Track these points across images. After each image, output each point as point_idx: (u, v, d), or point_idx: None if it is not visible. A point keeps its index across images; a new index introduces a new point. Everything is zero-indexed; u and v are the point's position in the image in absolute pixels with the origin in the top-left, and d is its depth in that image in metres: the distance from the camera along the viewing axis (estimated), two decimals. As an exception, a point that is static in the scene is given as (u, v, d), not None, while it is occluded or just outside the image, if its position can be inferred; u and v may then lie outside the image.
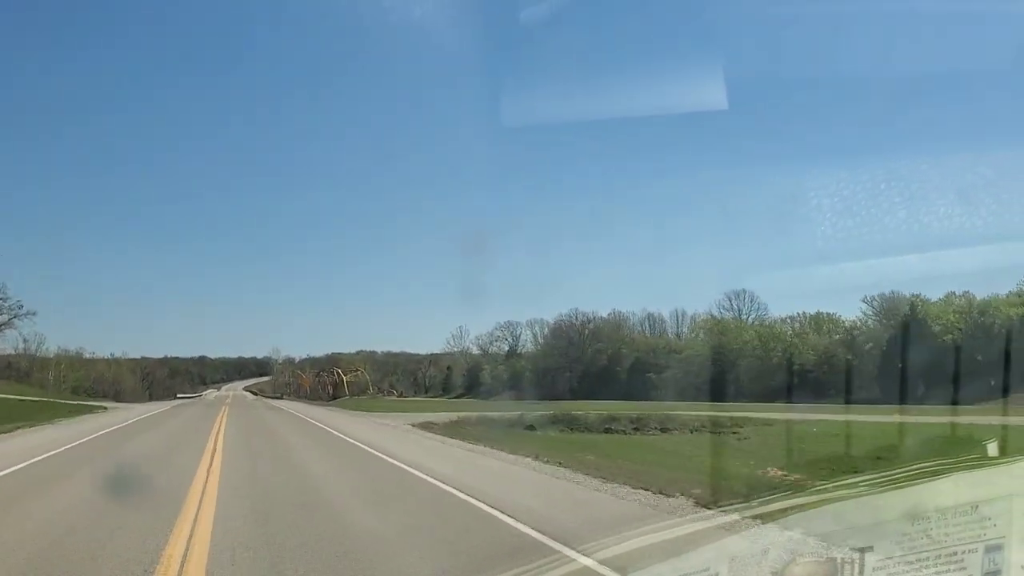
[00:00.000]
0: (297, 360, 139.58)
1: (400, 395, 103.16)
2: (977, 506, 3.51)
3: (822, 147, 70.65)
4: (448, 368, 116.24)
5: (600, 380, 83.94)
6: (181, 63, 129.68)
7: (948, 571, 3.46)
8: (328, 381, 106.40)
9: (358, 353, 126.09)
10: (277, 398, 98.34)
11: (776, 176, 57.67)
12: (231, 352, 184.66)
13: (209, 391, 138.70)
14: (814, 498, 3.68)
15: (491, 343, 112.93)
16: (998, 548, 3.52)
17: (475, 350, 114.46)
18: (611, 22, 74.94)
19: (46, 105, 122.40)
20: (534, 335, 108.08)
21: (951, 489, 3.54)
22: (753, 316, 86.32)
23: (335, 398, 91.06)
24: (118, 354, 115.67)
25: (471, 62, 62.40)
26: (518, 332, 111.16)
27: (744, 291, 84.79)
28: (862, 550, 3.45)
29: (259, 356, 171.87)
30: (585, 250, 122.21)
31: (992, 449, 3.76)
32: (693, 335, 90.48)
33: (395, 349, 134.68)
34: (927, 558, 3.46)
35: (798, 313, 79.74)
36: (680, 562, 4.15)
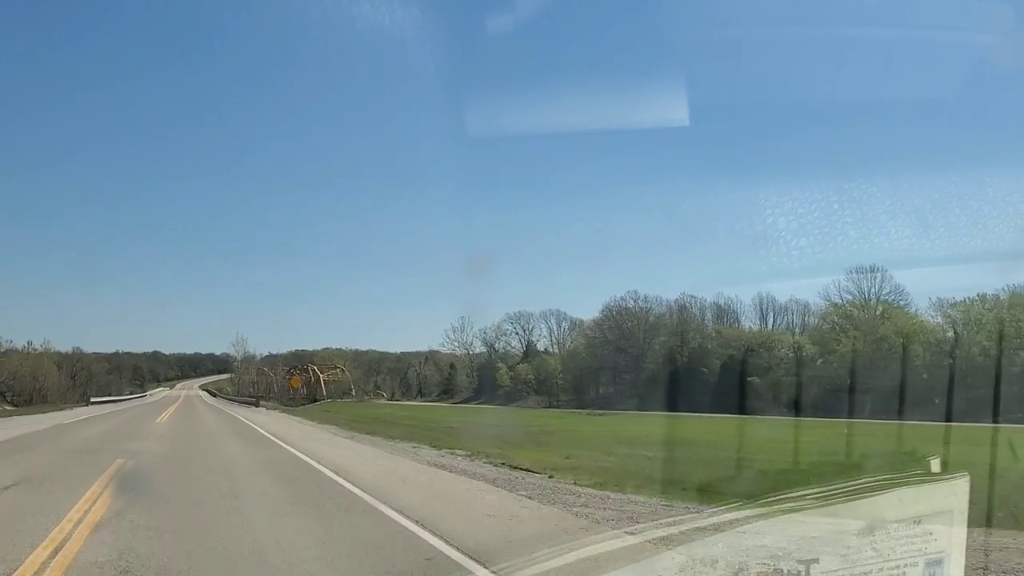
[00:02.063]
0: (258, 357, 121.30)
1: (391, 398, 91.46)
2: (920, 520, 3.59)
3: (776, 162, 71.55)
4: (451, 367, 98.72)
5: (675, 384, 61.76)
6: (142, 57, 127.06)
7: (890, 584, 3.52)
8: (301, 380, 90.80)
9: (325, 350, 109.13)
10: (251, 404, 73.66)
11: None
12: (187, 348, 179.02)
13: (159, 390, 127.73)
14: (762, 510, 3.72)
15: (498, 338, 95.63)
16: (938, 562, 3.61)
17: (479, 346, 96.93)
18: (575, 37, 75.69)
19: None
20: (550, 329, 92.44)
21: (895, 504, 3.61)
22: (889, 301, 64.26)
23: (314, 400, 77.67)
24: (66, 347, 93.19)
25: (437, 70, 62.53)
26: (530, 325, 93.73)
27: (877, 268, 61.57)
28: (807, 562, 3.49)
29: (217, 352, 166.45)
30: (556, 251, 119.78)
31: (935, 465, 3.86)
32: (814, 326, 68.35)
33: (363, 347, 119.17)
34: (871, 571, 3.52)
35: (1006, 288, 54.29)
36: (633, 570, 4.16)
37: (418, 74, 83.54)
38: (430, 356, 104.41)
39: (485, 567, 6.66)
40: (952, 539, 3.65)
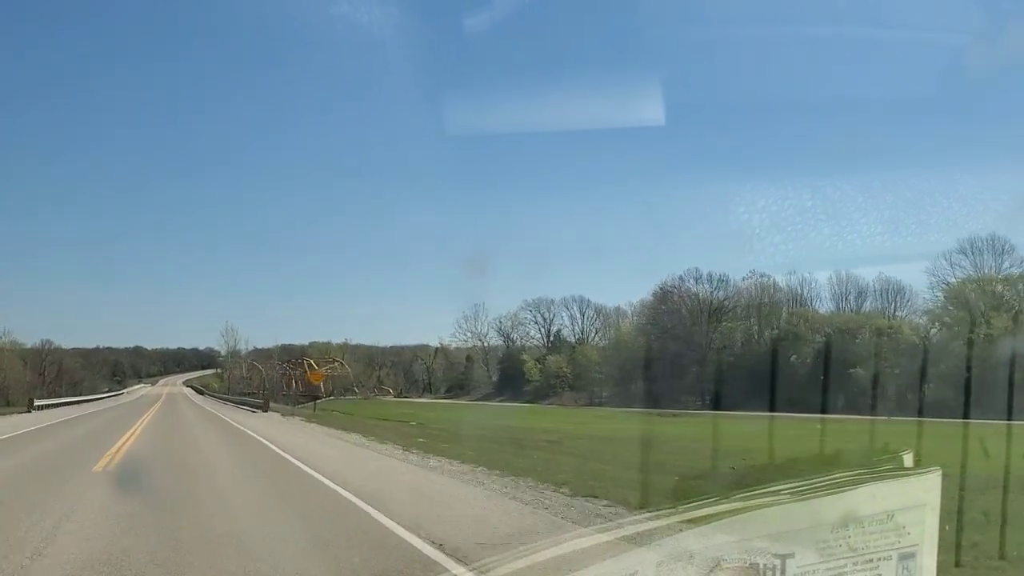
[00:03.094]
0: (242, 352, 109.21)
1: (398, 395, 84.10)
2: (893, 515, 3.63)
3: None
4: (467, 359, 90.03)
5: (758, 377, 47.99)
6: (119, 52, 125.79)
7: (864, 577, 3.57)
8: (294, 376, 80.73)
9: (312, 344, 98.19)
10: (256, 407, 55.88)
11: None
12: (170, 343, 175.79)
13: (139, 387, 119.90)
14: (738, 505, 3.74)
15: (514, 327, 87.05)
16: (911, 556, 3.65)
17: (495, 338, 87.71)
18: (552, 37, 75.85)
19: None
20: (571, 317, 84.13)
21: (868, 499, 3.65)
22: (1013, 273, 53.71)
23: (315, 398, 68.11)
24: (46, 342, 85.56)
25: (416, 68, 62.80)
26: (551, 313, 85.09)
27: (997, 239, 52.68)
28: (783, 557, 3.52)
29: (200, 347, 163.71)
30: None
31: (908, 459, 3.91)
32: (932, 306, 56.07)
33: (351, 341, 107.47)
34: (845, 565, 3.56)
35: None
36: (607, 565, 4.17)
37: (399, 73, 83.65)
38: (440, 349, 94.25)
39: None
40: (925, 533, 3.70)
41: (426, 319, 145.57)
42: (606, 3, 72.07)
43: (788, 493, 3.58)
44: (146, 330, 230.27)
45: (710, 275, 64.48)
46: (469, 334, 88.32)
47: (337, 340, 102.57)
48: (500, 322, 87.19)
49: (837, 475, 3.64)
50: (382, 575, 7.27)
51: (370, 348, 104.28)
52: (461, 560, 7.49)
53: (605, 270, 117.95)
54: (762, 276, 63.46)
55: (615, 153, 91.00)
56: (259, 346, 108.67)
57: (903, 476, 3.86)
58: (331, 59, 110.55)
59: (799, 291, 65.87)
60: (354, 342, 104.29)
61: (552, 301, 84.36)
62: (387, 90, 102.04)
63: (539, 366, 77.87)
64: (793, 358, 52.08)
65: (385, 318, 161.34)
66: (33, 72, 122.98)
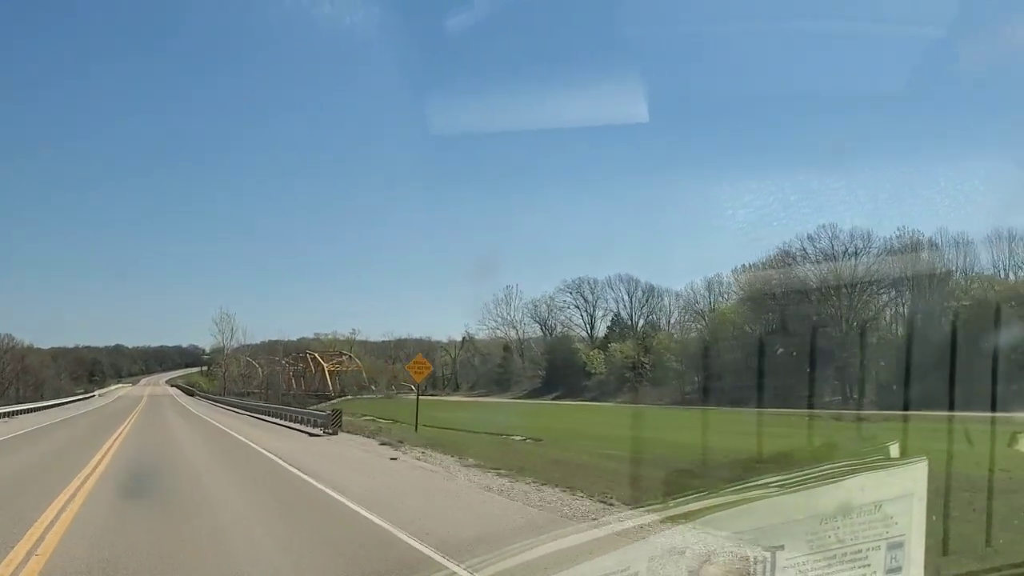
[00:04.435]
0: (227, 350, 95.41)
1: (422, 393, 73.82)
2: (881, 505, 3.66)
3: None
4: (505, 349, 75.91)
5: (935, 366, 30.68)
6: (106, 48, 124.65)
7: (854, 567, 3.61)
8: (292, 373, 74.20)
9: (301, 340, 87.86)
10: (306, 419, 32.97)
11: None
12: (152, 341, 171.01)
13: (117, 388, 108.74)
14: (729, 499, 3.76)
15: (551, 312, 75.97)
16: (899, 545, 3.69)
17: (531, 324, 76.39)
18: (535, 37, 75.64)
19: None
20: (617, 299, 72.49)
21: (857, 489, 3.68)
22: None
23: (327, 398, 59.92)
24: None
25: (401, 70, 62.68)
26: (595, 296, 73.88)
27: None
28: (774, 549, 3.54)
29: (184, 344, 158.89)
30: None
31: (894, 451, 3.94)
32: None
33: (359, 333, 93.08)
34: (834, 555, 3.59)
35: None
36: (599, 561, 4.18)
37: (383, 73, 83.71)
38: (467, 339, 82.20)
39: None
40: (912, 522, 3.73)
41: (429, 313, 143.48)
42: (587, 2, 72.21)
43: (778, 486, 3.62)
44: (126, 328, 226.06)
45: (852, 233, 49.30)
46: (499, 319, 77.01)
47: (342, 333, 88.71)
48: (535, 305, 76.15)
49: (827, 466, 3.68)
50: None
51: (372, 342, 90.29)
52: None
53: (606, 262, 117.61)
54: (914, 234, 48.63)
55: (602, 149, 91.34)
56: (249, 342, 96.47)
57: (890, 467, 3.90)
58: (322, 58, 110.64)
59: (954, 253, 50.09)
60: (359, 336, 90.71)
61: (595, 281, 73.33)
62: (379, 90, 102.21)
63: (602, 355, 65.08)
64: (984, 342, 32.34)
65: (382, 313, 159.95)
66: (15, 66, 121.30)
